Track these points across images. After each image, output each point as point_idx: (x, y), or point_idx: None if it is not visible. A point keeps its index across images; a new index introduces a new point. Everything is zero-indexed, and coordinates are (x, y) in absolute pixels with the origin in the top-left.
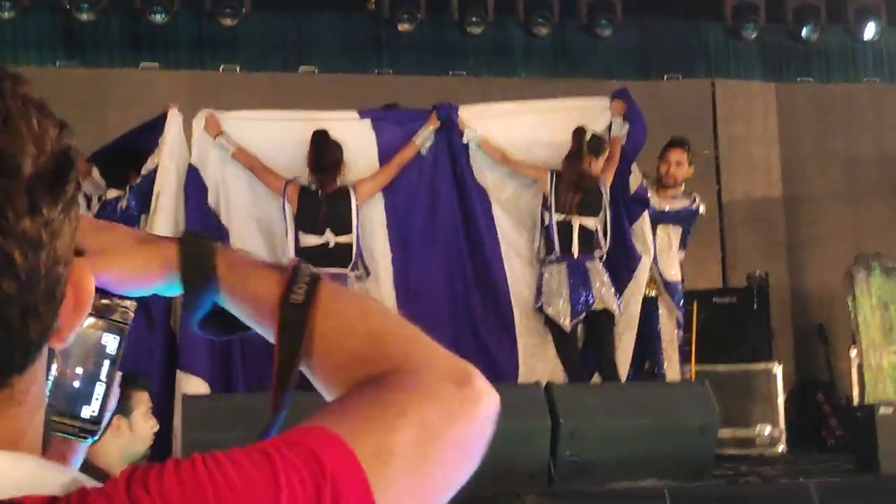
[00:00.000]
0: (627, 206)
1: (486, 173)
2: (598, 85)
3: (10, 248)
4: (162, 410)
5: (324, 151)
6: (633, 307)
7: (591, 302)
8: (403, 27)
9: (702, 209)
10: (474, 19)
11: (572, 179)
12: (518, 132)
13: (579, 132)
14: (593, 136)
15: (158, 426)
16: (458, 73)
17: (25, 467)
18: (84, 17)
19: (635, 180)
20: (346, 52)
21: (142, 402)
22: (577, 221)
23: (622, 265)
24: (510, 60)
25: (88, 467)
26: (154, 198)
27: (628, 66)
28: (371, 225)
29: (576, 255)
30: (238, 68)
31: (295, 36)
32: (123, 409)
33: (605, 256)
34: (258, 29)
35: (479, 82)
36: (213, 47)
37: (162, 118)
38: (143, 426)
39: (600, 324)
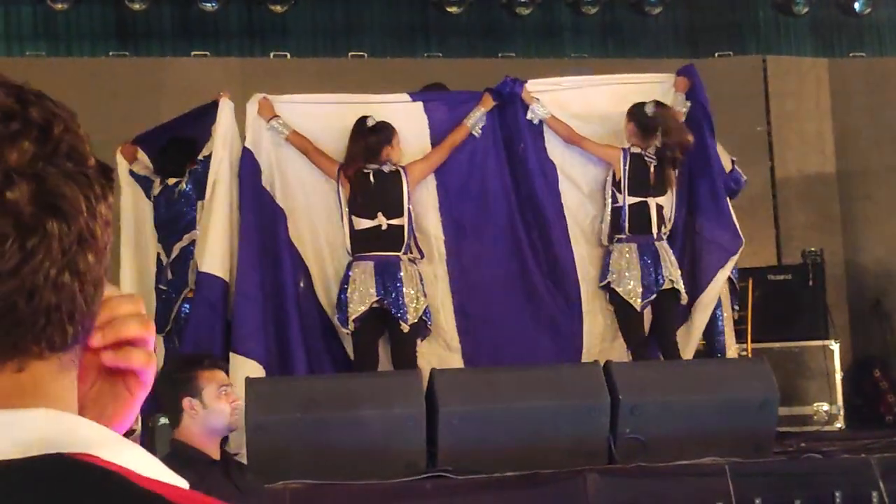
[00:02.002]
0: (726, 185)
1: (556, 149)
2: (648, 64)
3: (94, 226)
4: None
5: (368, 134)
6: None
7: (661, 282)
8: (452, 10)
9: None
10: (522, 0)
11: (645, 157)
12: (588, 106)
13: (644, 108)
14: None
15: (240, 401)
16: (506, 54)
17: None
18: (136, 6)
19: (726, 160)
20: (394, 36)
21: (213, 380)
22: (652, 202)
23: (722, 243)
24: (559, 41)
25: (182, 447)
26: (210, 186)
27: (678, 44)
28: (424, 207)
29: (655, 234)
30: (288, 55)
31: (344, 21)
32: (191, 390)
33: (669, 234)
34: (307, 15)
35: (528, 64)
36: (262, 34)
37: (213, 106)
38: (216, 402)
39: (667, 303)
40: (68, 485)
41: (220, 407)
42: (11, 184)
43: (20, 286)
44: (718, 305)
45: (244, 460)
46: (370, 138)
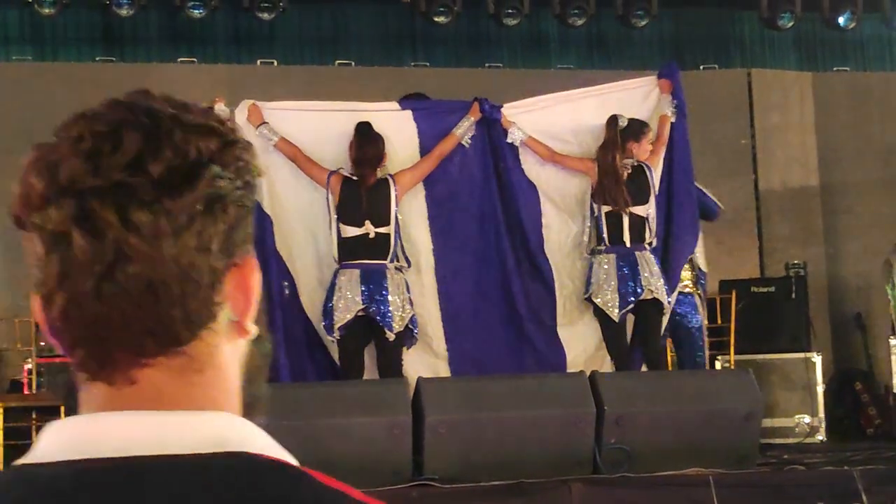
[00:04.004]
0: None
1: (534, 168)
2: (633, 76)
3: (123, 237)
4: None
5: (366, 144)
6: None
7: (640, 292)
8: (439, 19)
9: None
10: (510, 11)
11: (612, 169)
12: (564, 122)
13: (612, 121)
14: (631, 121)
15: None
16: (493, 65)
17: (219, 423)
18: (123, 12)
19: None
20: (382, 45)
21: None
22: (626, 211)
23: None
24: (545, 52)
25: None
26: None
27: (664, 56)
28: (412, 216)
29: (628, 244)
30: (275, 62)
31: (331, 29)
32: None
33: (653, 244)
34: (295, 23)
35: (515, 74)
36: (250, 41)
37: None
38: None
39: (648, 314)
40: (267, 480)
41: None
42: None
43: None
44: (698, 324)
45: None
46: (368, 147)
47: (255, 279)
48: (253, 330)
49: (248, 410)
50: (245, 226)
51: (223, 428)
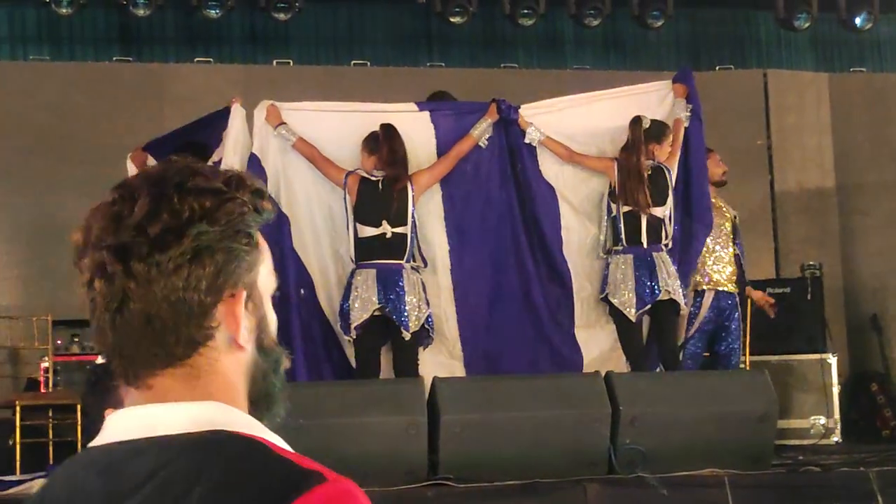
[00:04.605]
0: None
1: (552, 169)
2: (649, 76)
3: (126, 282)
4: None
5: (397, 144)
6: None
7: (657, 293)
8: (455, 19)
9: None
10: (525, 11)
11: (636, 170)
12: (581, 124)
13: (635, 121)
14: (653, 122)
15: None
16: (509, 65)
17: (214, 409)
18: (140, 12)
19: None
20: (397, 45)
21: None
22: (644, 212)
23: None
24: (561, 52)
25: None
26: None
27: (679, 56)
28: (428, 216)
29: (645, 245)
30: (291, 62)
31: (347, 29)
32: (114, 402)
33: (669, 245)
34: (310, 23)
35: (531, 74)
36: (266, 42)
37: (225, 112)
38: None
39: (665, 314)
40: (225, 447)
41: None
42: None
43: None
44: (736, 324)
45: None
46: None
47: (245, 308)
48: (248, 346)
49: (254, 406)
50: (236, 264)
51: (211, 413)
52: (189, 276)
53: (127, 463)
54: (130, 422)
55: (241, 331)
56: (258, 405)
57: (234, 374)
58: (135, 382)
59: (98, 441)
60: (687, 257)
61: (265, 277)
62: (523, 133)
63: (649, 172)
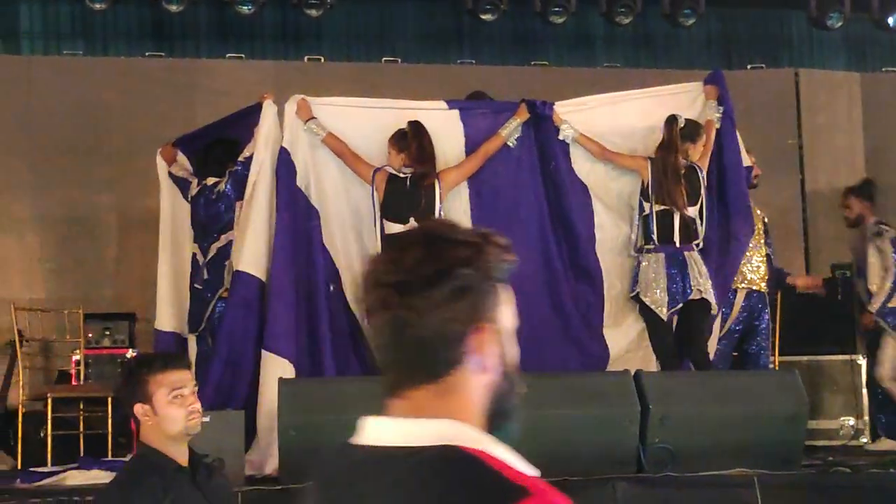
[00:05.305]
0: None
1: (585, 167)
2: (680, 75)
3: (405, 312)
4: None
5: (425, 142)
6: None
7: (689, 292)
8: (486, 17)
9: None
10: (556, 9)
11: (673, 169)
12: (612, 123)
13: (671, 120)
14: (687, 122)
15: (198, 405)
16: (539, 62)
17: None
18: (172, 8)
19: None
20: (428, 42)
21: (163, 384)
22: (678, 211)
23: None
24: (591, 50)
25: (148, 451)
26: (250, 186)
27: (711, 55)
28: (455, 214)
29: (677, 244)
30: (322, 59)
31: (378, 26)
32: (141, 396)
33: (700, 245)
34: (342, 19)
35: (561, 72)
36: (297, 38)
37: (256, 108)
38: (167, 409)
39: (695, 313)
40: (448, 461)
41: (171, 413)
42: None
43: None
44: (765, 323)
45: (275, 461)
46: (428, 145)
47: (493, 339)
48: (492, 370)
49: (491, 421)
50: (486, 302)
51: (445, 429)
52: (452, 309)
53: (376, 467)
54: (371, 430)
55: (488, 356)
56: (495, 420)
57: (477, 393)
58: (398, 393)
59: (358, 440)
60: (729, 258)
61: (507, 315)
62: (556, 130)
63: (684, 172)
